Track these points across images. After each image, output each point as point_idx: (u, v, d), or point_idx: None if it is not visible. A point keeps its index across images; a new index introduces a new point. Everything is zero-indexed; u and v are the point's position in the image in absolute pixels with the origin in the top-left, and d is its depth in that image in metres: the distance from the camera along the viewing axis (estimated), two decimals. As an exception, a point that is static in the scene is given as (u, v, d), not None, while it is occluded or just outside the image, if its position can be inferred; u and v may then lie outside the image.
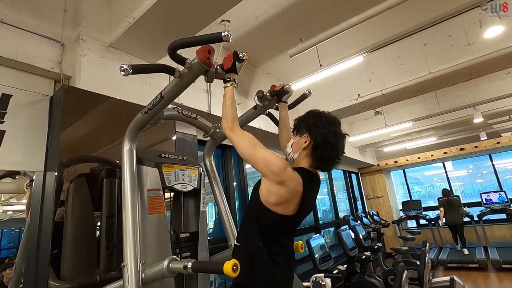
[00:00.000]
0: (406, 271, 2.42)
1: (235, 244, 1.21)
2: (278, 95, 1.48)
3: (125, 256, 1.16)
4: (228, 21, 2.74)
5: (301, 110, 4.23)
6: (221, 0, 1.77)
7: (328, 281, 2.25)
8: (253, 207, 1.17)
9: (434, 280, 3.54)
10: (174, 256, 1.12)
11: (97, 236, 2.04)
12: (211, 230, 3.55)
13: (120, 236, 1.25)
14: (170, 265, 1.08)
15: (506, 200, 6.31)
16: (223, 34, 0.98)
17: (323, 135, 1.15)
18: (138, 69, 1.01)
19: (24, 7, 1.76)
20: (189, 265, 1.03)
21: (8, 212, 2.33)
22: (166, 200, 1.64)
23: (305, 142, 1.18)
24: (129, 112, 1.69)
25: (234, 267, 0.93)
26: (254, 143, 1.13)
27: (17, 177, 2.01)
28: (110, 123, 2.57)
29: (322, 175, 6.42)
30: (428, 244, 3.53)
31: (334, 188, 6.85)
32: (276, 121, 1.68)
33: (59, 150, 1.72)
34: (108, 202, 2.01)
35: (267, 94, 1.49)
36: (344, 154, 1.24)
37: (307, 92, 1.60)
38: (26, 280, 1.55)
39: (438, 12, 2.62)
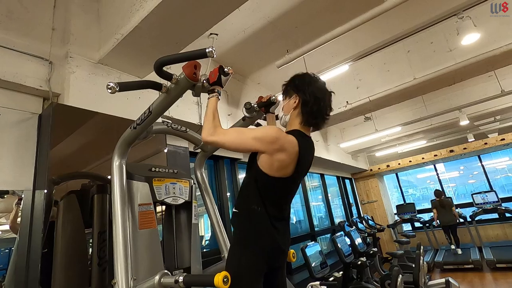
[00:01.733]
0: (401, 275, 2.44)
1: (233, 211, 1.22)
2: (265, 106, 1.51)
3: (116, 273, 1.15)
4: (216, 34, 2.79)
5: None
6: (208, 16, 1.81)
7: (324, 288, 2.24)
8: (251, 174, 1.19)
9: (430, 282, 3.56)
10: (166, 271, 1.12)
11: (88, 253, 2.01)
12: (207, 242, 3.52)
13: (111, 252, 1.25)
14: (162, 280, 1.08)
15: (497, 200, 6.42)
16: (207, 50, 1.01)
17: (310, 91, 1.21)
18: (124, 87, 1.03)
19: (12, 27, 1.77)
20: (181, 279, 1.03)
21: None
22: (157, 214, 1.64)
23: (295, 102, 1.24)
24: (119, 126, 1.70)
25: (225, 279, 0.93)
26: (240, 130, 1.17)
27: (5, 196, 1.99)
28: (100, 138, 2.56)
29: (316, 182, 6.43)
30: (422, 247, 3.55)
31: (329, 194, 6.87)
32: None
33: (49, 168, 1.71)
34: (99, 218, 1.98)
35: (255, 106, 1.51)
36: (331, 113, 1.28)
37: (293, 102, 1.62)
38: (15, 302, 1.52)
39: (420, 20, 2.73)
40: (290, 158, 1.12)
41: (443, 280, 3.35)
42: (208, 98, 1.21)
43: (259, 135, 1.11)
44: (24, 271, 1.54)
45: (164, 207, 1.68)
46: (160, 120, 1.58)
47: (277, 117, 1.65)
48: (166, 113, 2.47)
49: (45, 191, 1.64)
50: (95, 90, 1.96)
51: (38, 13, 1.90)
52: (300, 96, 1.23)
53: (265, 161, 1.12)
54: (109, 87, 0.98)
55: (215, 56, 1.02)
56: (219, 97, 1.22)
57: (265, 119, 1.61)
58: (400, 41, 3.17)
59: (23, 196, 1.71)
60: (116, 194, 1.31)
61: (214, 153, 1.83)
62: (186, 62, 1.10)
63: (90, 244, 2.05)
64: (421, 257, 3.03)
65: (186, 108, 2.70)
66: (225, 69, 1.17)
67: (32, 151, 1.73)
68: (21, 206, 1.78)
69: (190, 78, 1.09)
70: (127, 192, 1.38)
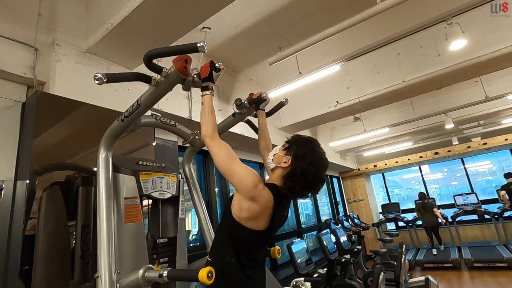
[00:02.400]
0: (383, 273, 2.50)
1: (207, 260, 1.20)
2: (256, 103, 1.51)
3: (99, 266, 1.14)
4: (209, 28, 2.76)
5: (283, 114, 4.25)
6: (201, 9, 1.79)
7: (308, 285, 2.27)
8: (226, 222, 1.17)
9: (411, 280, 3.67)
10: (150, 265, 1.12)
11: (71, 246, 1.97)
12: (194, 237, 3.52)
13: (95, 245, 1.23)
14: (146, 274, 1.08)
15: (477, 202, 6.65)
16: (198, 44, 1.00)
17: (304, 170, 1.13)
18: (112, 78, 1.01)
19: (-4, 11, 1.71)
20: (165, 273, 1.03)
21: None
22: (144, 207, 1.62)
23: (285, 162, 1.17)
24: (107, 118, 1.66)
25: (209, 274, 0.94)
26: (231, 156, 1.13)
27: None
28: (87, 130, 2.50)
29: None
30: (404, 246, 3.65)
31: (317, 192, 6.95)
32: (255, 128, 1.71)
33: (31, 158, 1.66)
34: (83, 211, 1.95)
35: (245, 102, 1.51)
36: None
37: (284, 100, 1.64)
38: (-7, 295, 1.49)
39: (411, 23, 2.78)
40: (261, 211, 1.10)
41: (423, 278, 3.46)
42: (202, 96, 1.20)
43: (243, 173, 1.08)
44: (4, 262, 1.50)
45: (150, 201, 1.67)
46: (149, 113, 1.57)
47: (266, 115, 1.66)
48: (155, 106, 2.44)
49: (27, 181, 1.60)
50: (82, 80, 1.91)
51: (24, -2, 1.83)
52: (292, 166, 1.15)
53: (237, 202, 1.12)
54: (96, 77, 0.96)
55: (206, 51, 1.01)
56: (213, 93, 1.21)
57: (255, 116, 1.61)
58: (391, 44, 3.23)
59: (3, 186, 1.66)
60: (101, 186, 1.29)
61: (203, 148, 1.82)
62: (177, 56, 1.09)
63: (74, 237, 2.02)
64: (403, 256, 3.11)
65: (176, 102, 2.67)
66: (216, 65, 1.16)
67: (15, 140, 1.68)
68: (1, 197, 1.73)
69: (181, 72, 1.08)
70: (113, 185, 1.36)
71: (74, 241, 1.97)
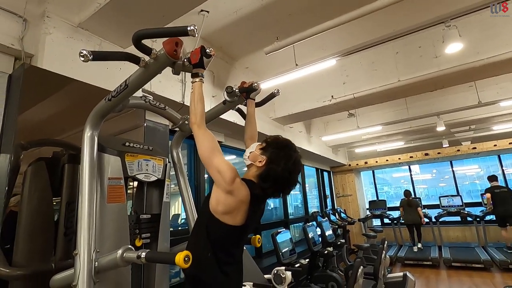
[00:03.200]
0: (362, 267, 2.57)
1: None
2: (247, 92, 1.50)
3: (78, 244, 1.14)
4: (207, 11, 2.70)
5: (278, 105, 4.22)
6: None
7: (288, 274, 2.32)
8: (203, 217, 1.20)
9: (389, 275, 3.78)
10: (130, 246, 1.13)
11: (55, 222, 1.97)
12: (183, 221, 3.54)
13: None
14: (124, 254, 1.09)
15: (461, 204, 6.82)
16: (189, 28, 0.98)
17: (277, 175, 1.15)
18: (99, 56, 0.99)
19: (-17, -24, 1.64)
20: (143, 255, 1.04)
21: None
22: (130, 189, 1.62)
23: (260, 162, 1.19)
24: (97, 96, 1.63)
25: (186, 258, 0.95)
26: (214, 147, 1.14)
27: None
28: (77, 107, 2.45)
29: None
30: (386, 242, 3.74)
31: (306, 185, 7.03)
32: (244, 116, 1.70)
33: (16, 131, 1.64)
34: (68, 188, 1.94)
35: (236, 90, 1.50)
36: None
37: (275, 91, 1.63)
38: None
39: (411, 23, 2.76)
40: (236, 205, 1.12)
41: (401, 274, 3.56)
42: (192, 82, 1.19)
43: (222, 166, 1.10)
44: (-16, 235, 1.49)
45: (136, 183, 1.67)
46: (139, 93, 1.54)
47: (257, 105, 1.66)
48: (147, 88, 2.42)
49: (11, 155, 1.57)
50: (73, 55, 1.87)
51: (14, -35, 1.76)
52: (266, 166, 1.17)
53: (215, 195, 1.13)
54: (82, 54, 0.94)
55: (196, 35, 0.99)
56: (203, 80, 1.20)
57: (245, 105, 1.61)
58: (389, 42, 3.21)
59: (-14, 159, 1.63)
60: (85, 166, 1.28)
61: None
62: (167, 38, 1.06)
63: (58, 214, 2.02)
64: (383, 252, 3.19)
65: (169, 85, 2.64)
66: (207, 50, 1.14)
67: (-1, 113, 1.65)
68: (-16, 169, 1.71)
69: (170, 55, 1.06)
70: (98, 165, 1.35)
71: (57, 218, 1.98)
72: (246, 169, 1.31)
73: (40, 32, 1.77)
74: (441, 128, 4.62)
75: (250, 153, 1.27)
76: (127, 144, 1.53)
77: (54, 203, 2.01)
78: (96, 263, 1.13)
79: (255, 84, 1.47)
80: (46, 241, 1.83)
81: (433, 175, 8.89)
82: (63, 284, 1.23)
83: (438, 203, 7.15)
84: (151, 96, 1.66)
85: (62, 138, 2.60)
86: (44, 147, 2.22)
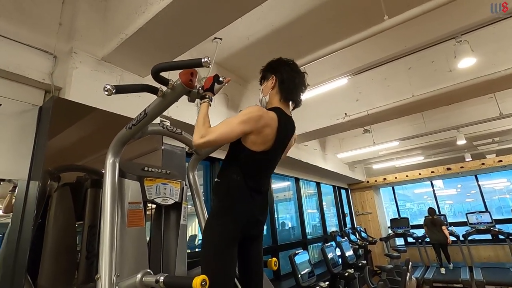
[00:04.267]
0: (385, 290, 2.45)
1: (215, 180, 1.30)
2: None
3: (100, 268, 1.18)
4: (220, 39, 2.84)
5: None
6: (211, 23, 1.85)
7: (308, 297, 2.26)
8: (233, 150, 1.28)
9: (416, 299, 3.57)
10: (148, 270, 1.15)
11: (78, 245, 2.03)
12: (200, 242, 3.54)
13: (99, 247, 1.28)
14: (143, 278, 1.11)
15: (491, 221, 6.42)
16: (203, 60, 1.04)
17: (285, 71, 1.34)
18: (121, 89, 1.07)
19: (20, 20, 1.82)
20: (161, 279, 1.06)
21: None
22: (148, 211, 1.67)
23: (272, 82, 1.35)
24: (118, 123, 1.73)
25: (203, 283, 0.96)
26: (225, 121, 1.21)
27: (1, 183, 2.03)
28: (99, 133, 2.59)
29: (312, 189, 6.43)
30: (411, 263, 3.56)
31: (324, 203, 6.89)
32: None
33: (44, 159, 1.74)
34: (91, 212, 2.01)
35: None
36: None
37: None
38: (1, 289, 1.55)
39: (423, 39, 2.77)
40: (273, 132, 1.21)
41: (429, 297, 3.36)
42: (200, 104, 1.26)
43: (245, 117, 1.17)
44: (13, 258, 1.57)
45: (154, 206, 1.72)
46: (158, 120, 1.62)
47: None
48: (165, 113, 2.53)
49: (39, 183, 1.67)
50: (97, 86, 2.00)
51: (47, 8, 1.95)
52: (276, 76, 1.34)
53: (251, 139, 1.20)
54: (106, 89, 1.02)
55: (210, 66, 1.06)
56: (211, 103, 1.26)
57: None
58: (402, 58, 3.22)
59: (17, 185, 1.74)
60: (107, 191, 1.34)
61: (210, 155, 1.87)
62: (183, 70, 1.14)
63: (81, 237, 2.08)
64: (408, 273, 3.04)
65: (185, 109, 2.74)
66: (220, 78, 1.21)
67: (30, 142, 1.77)
68: (15, 193, 1.82)
69: (186, 84, 1.13)
70: (119, 190, 1.41)
71: (80, 241, 2.04)
72: None
73: (68, 67, 1.92)
74: (461, 142, 4.47)
75: (261, 91, 1.41)
76: (146, 169, 1.60)
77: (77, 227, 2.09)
78: (117, 287, 1.15)
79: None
80: (69, 264, 1.89)
81: (458, 190, 8.49)
82: (85, 308, 1.26)
83: (465, 220, 6.78)
84: (168, 122, 1.74)
85: (84, 163, 2.74)
86: (67, 173, 2.34)
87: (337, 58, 3.15)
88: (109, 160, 1.41)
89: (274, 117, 1.23)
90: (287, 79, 1.32)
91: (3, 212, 1.97)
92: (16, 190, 1.80)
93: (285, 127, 1.30)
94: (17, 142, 1.73)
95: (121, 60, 2.12)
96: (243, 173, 1.22)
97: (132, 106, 2.20)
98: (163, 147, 2.52)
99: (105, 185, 1.35)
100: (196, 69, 1.14)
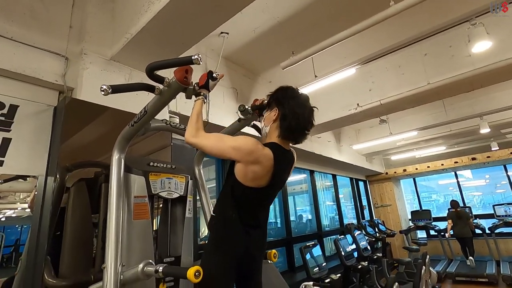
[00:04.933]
0: (397, 283, 2.41)
1: (211, 215, 1.29)
2: (259, 109, 1.55)
3: (106, 258, 1.25)
4: (227, 33, 2.85)
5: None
6: (212, 17, 1.86)
7: (317, 289, 2.28)
8: (229, 182, 1.24)
9: (434, 293, 3.48)
10: (150, 261, 1.21)
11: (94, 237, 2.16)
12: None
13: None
14: (145, 268, 1.17)
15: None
16: (193, 57, 1.06)
17: (290, 106, 1.22)
18: (117, 89, 1.11)
19: (33, 25, 1.92)
20: (160, 269, 1.12)
21: (27, 210, 2.52)
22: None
23: (275, 114, 1.26)
24: (129, 121, 1.81)
25: (197, 273, 1.00)
26: (220, 137, 1.19)
27: (27, 179, 2.19)
28: (113, 131, 2.71)
29: (328, 182, 6.36)
30: (428, 257, 3.47)
31: (341, 195, 6.81)
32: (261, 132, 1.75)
33: (61, 156, 1.86)
34: (105, 205, 2.12)
35: (248, 108, 1.56)
36: (312, 127, 1.29)
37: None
38: (25, 278, 1.69)
39: (435, 23, 2.63)
40: (264, 170, 1.15)
41: (447, 291, 3.26)
42: (194, 101, 1.28)
43: (237, 145, 1.13)
44: (34, 250, 1.70)
45: (161, 200, 1.78)
46: (167, 115, 1.64)
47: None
48: (173, 109, 2.59)
49: (55, 177, 1.78)
50: (106, 86, 2.08)
51: (58, 12, 2.04)
52: (279, 109, 1.25)
53: (240, 170, 1.16)
54: (102, 89, 1.07)
55: (201, 63, 1.08)
56: (205, 100, 1.28)
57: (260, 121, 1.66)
58: (417, 43, 3.07)
59: (38, 181, 1.87)
60: (113, 186, 1.41)
61: None
62: (178, 67, 1.17)
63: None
64: (424, 267, 2.96)
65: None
66: (214, 74, 1.22)
67: (47, 140, 1.88)
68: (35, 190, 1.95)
69: (181, 82, 1.16)
70: (125, 184, 1.48)
71: (96, 233, 2.17)
72: None
73: (79, 68, 2.01)
74: (485, 130, 4.23)
75: (264, 120, 1.34)
76: (151, 164, 1.66)
77: (95, 220, 2.22)
78: (122, 276, 1.22)
79: (266, 102, 1.52)
80: (87, 254, 2.01)
81: (486, 181, 8.06)
82: (95, 294, 1.35)
83: (492, 212, 6.44)
84: (178, 118, 1.76)
85: (104, 159, 2.88)
86: (85, 168, 2.48)
87: (348, 47, 3.07)
88: (115, 156, 1.48)
89: (269, 155, 1.15)
90: (290, 116, 1.21)
91: (29, 207, 2.13)
92: (36, 185, 1.93)
93: (282, 164, 1.24)
94: (35, 140, 1.85)
95: (128, 59, 2.18)
96: (238, 209, 1.18)
97: (142, 103, 2.27)
98: (172, 143, 2.60)
99: (111, 180, 1.43)
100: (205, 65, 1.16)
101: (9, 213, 2.53)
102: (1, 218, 2.51)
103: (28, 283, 1.66)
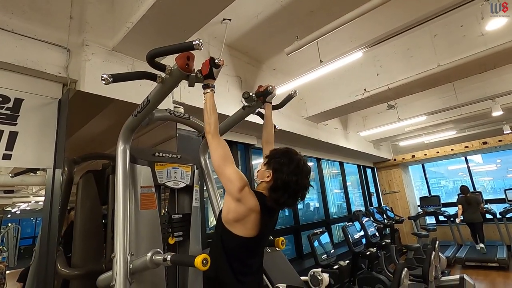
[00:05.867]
0: (406, 269, 2.40)
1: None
2: (263, 95, 1.52)
3: (115, 248, 1.27)
4: (229, 19, 2.78)
5: (309, 103, 4.12)
6: (213, 4, 1.82)
7: (325, 276, 2.28)
8: (218, 228, 1.26)
9: (444, 278, 3.48)
10: (158, 249, 1.22)
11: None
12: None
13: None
14: (153, 257, 1.18)
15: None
16: (194, 43, 1.03)
17: (284, 182, 1.17)
18: (118, 78, 1.09)
19: (34, 17, 1.90)
20: (168, 257, 1.12)
21: (40, 203, 2.57)
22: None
23: (268, 177, 1.22)
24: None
25: (204, 261, 1.00)
26: (227, 157, 1.20)
27: (37, 172, 2.22)
28: (119, 123, 2.71)
29: (335, 169, 6.30)
30: (438, 242, 3.44)
31: (349, 183, 6.77)
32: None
33: (70, 149, 1.87)
34: (113, 197, 2.14)
35: (253, 95, 1.53)
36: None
37: (293, 92, 1.62)
38: (39, 267, 1.73)
39: (445, 2, 2.51)
40: (246, 213, 1.16)
41: (457, 276, 3.25)
42: (204, 94, 1.25)
43: (233, 175, 1.16)
44: (46, 241, 1.73)
45: (168, 190, 1.79)
46: (172, 106, 1.62)
47: (276, 107, 1.67)
48: (177, 99, 2.57)
49: (63, 170, 1.80)
50: (109, 77, 2.06)
51: (57, 3, 2.01)
52: (273, 173, 1.21)
53: (227, 204, 1.19)
54: (103, 78, 1.05)
55: (202, 48, 1.04)
56: (214, 90, 1.25)
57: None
58: (426, 24, 2.95)
59: (46, 173, 1.89)
60: (119, 176, 1.41)
61: (228, 138, 1.89)
62: (179, 54, 1.13)
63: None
64: (433, 252, 2.94)
65: (197, 94, 2.76)
66: (216, 61, 1.19)
67: (53, 132, 1.89)
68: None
69: (183, 69, 1.13)
70: (131, 175, 1.48)
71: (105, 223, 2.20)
72: None
73: (81, 59, 1.99)
74: (497, 113, 4.11)
75: (257, 172, 1.32)
76: (156, 154, 1.65)
77: (105, 211, 2.25)
78: (131, 265, 1.24)
79: (270, 88, 1.49)
80: (97, 244, 2.05)
81: (498, 165, 7.90)
82: (106, 283, 1.37)
83: (503, 197, 6.34)
84: (182, 108, 1.73)
85: (111, 151, 2.90)
86: (94, 160, 2.50)
87: (354, 31, 2.98)
88: (120, 147, 1.47)
89: (254, 204, 1.17)
90: (282, 184, 1.17)
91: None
92: (45, 178, 1.95)
93: (268, 214, 1.23)
94: (42, 133, 1.86)
95: (130, 49, 2.16)
96: (229, 261, 1.19)
97: (144, 93, 2.26)
98: (177, 134, 2.59)
99: (117, 171, 1.43)
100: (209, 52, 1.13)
101: (23, 206, 2.59)
102: (16, 211, 2.57)
103: (42, 272, 1.70)
